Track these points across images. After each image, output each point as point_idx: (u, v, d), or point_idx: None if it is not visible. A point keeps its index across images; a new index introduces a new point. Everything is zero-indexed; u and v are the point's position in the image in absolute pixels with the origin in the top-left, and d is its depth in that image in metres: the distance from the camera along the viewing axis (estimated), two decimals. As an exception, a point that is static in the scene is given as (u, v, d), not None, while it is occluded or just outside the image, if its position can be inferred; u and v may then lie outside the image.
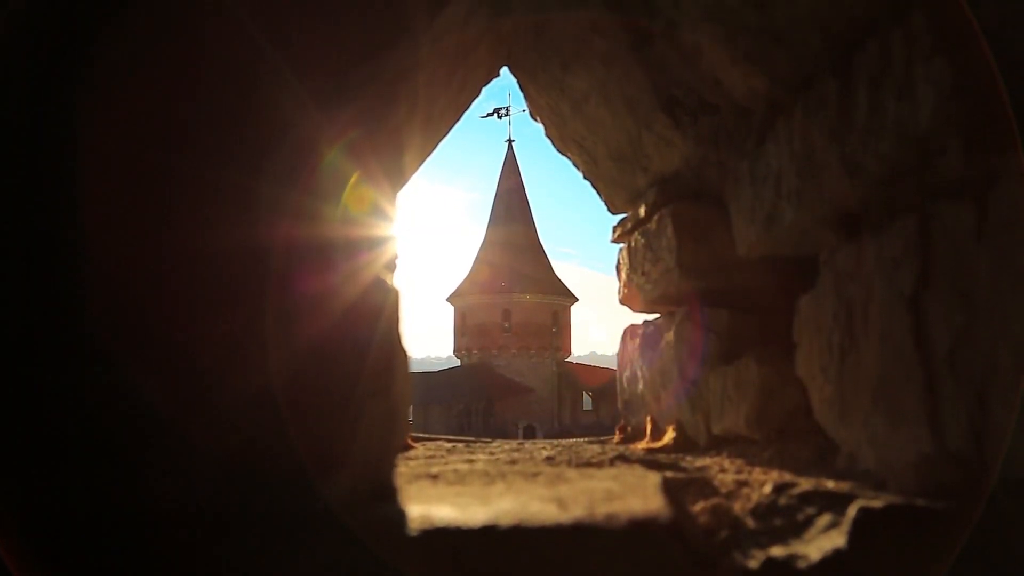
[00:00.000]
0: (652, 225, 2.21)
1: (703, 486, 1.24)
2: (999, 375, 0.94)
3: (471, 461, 1.56)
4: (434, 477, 1.23)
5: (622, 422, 2.53)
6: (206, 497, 0.93)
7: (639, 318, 2.54)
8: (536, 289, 33.03)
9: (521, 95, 2.50)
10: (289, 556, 0.88)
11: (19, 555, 0.89)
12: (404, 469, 1.34)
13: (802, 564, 0.96)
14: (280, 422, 0.96)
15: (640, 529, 0.88)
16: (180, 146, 0.98)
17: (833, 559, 0.95)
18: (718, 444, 1.85)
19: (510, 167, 36.00)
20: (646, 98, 1.92)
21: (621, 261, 2.55)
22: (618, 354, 2.67)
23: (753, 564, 0.97)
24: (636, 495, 1.00)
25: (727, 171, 1.82)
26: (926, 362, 1.06)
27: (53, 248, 0.96)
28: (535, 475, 1.21)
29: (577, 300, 35.13)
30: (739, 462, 1.57)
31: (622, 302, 2.57)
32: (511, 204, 34.77)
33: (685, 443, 2.00)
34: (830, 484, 1.13)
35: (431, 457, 1.74)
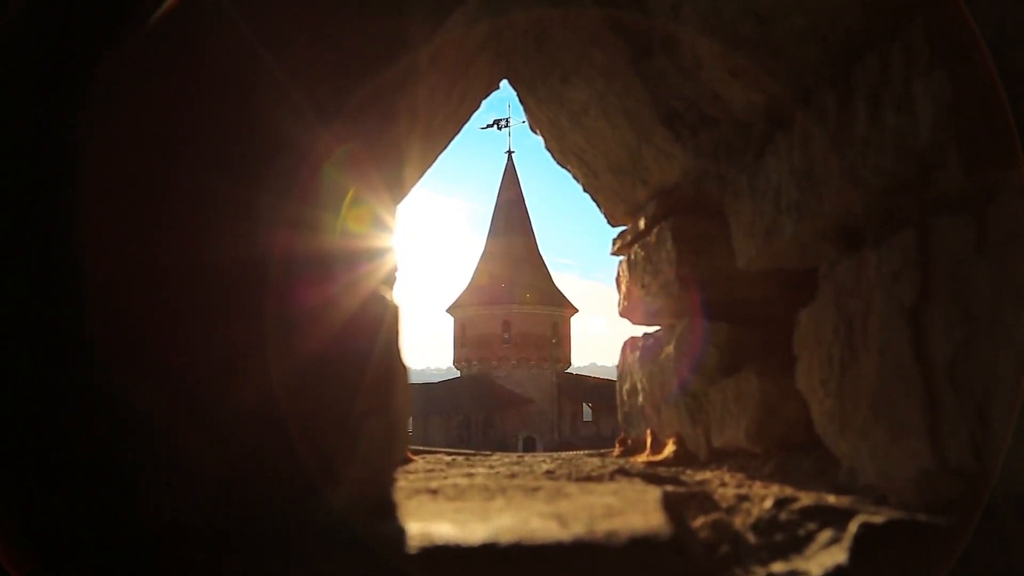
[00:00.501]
0: (652, 238, 2.21)
1: (703, 500, 1.23)
2: (999, 389, 0.93)
3: (471, 475, 1.56)
4: (433, 492, 1.22)
5: (622, 434, 2.52)
6: (204, 511, 0.93)
7: (639, 330, 2.54)
8: (536, 300, 33.00)
9: (521, 107, 2.50)
10: (288, 573, 0.88)
11: (22, 566, 0.88)
12: (403, 483, 1.33)
13: (803, 580, 0.95)
14: (278, 436, 0.96)
15: (641, 546, 0.87)
16: (179, 155, 0.98)
17: (835, 575, 0.95)
18: (718, 457, 1.84)
19: (510, 178, 36.05)
20: (646, 111, 1.92)
21: (621, 273, 2.55)
22: (618, 366, 2.66)
23: (754, 580, 0.97)
24: (637, 511, 0.99)
25: (727, 184, 1.82)
26: (926, 376, 1.06)
27: (50, 259, 0.96)
28: (535, 490, 1.21)
29: (577, 311, 35.11)
30: (740, 476, 1.56)
31: (622, 314, 2.57)
32: (511, 215, 34.80)
33: (685, 456, 1.99)
34: (831, 499, 1.13)
35: (431, 471, 1.73)
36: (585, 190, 2.58)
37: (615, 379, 2.73)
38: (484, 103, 2.31)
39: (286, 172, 1.01)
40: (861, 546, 0.96)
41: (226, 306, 0.99)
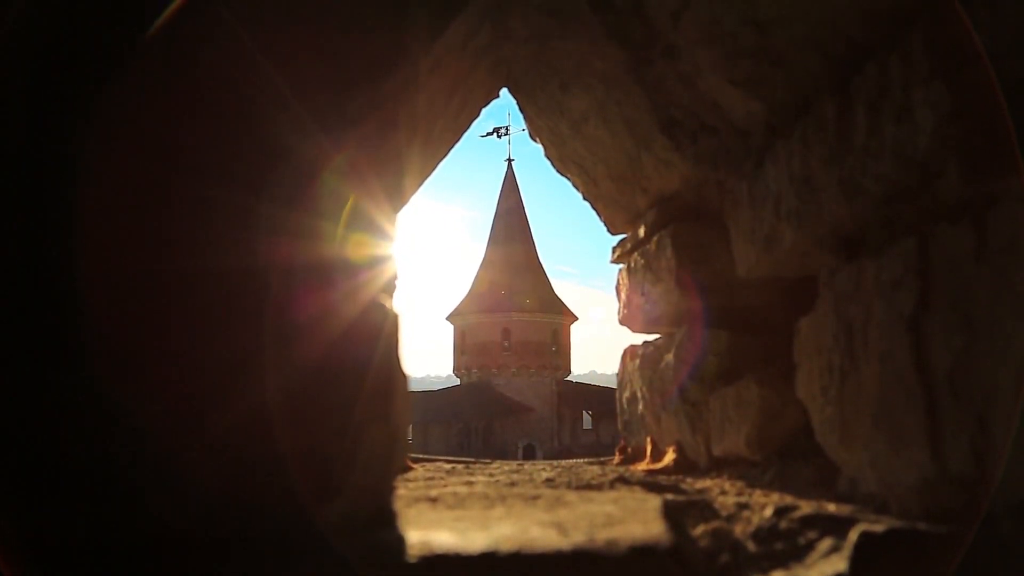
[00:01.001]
0: (652, 246, 2.21)
1: (704, 509, 1.23)
2: (1000, 397, 0.93)
3: (470, 483, 1.55)
4: (433, 500, 1.22)
5: (622, 442, 2.52)
6: (203, 520, 0.92)
7: (639, 338, 2.53)
8: (536, 308, 32.99)
9: (520, 115, 2.51)
10: (286, 581, 0.88)
11: (21, 574, 0.88)
12: (403, 491, 1.33)
13: (804, 589, 0.95)
14: (277, 445, 0.96)
15: (641, 555, 0.87)
16: (179, 163, 0.98)
17: (835, 584, 0.94)
18: (719, 465, 1.84)
19: (510, 186, 36.07)
20: (645, 119, 1.93)
21: (621, 281, 2.55)
22: (618, 374, 2.66)
23: (754, 589, 0.96)
24: (637, 519, 0.99)
25: (727, 192, 1.83)
26: (926, 384, 1.06)
27: (50, 267, 0.96)
28: (535, 498, 1.20)
29: (577, 319, 35.10)
30: (740, 484, 1.56)
31: (622, 322, 2.57)
32: (511, 223, 34.80)
33: (685, 464, 1.99)
34: (831, 507, 1.12)
35: (430, 479, 1.73)
36: (585, 198, 2.58)
37: (615, 387, 2.73)
38: (484, 111, 2.32)
39: (286, 180, 1.01)
40: (861, 555, 0.96)
41: (226, 314, 0.99)
